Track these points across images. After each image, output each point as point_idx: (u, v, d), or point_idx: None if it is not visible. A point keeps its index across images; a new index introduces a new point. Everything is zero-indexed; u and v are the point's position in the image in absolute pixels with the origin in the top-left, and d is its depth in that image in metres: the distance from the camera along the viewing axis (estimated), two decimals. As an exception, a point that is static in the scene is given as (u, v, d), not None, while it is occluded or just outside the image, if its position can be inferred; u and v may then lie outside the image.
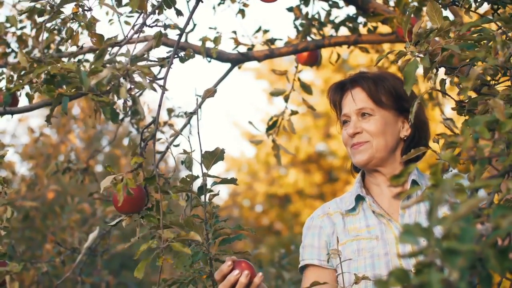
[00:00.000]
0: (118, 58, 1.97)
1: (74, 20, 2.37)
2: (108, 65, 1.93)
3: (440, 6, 1.88)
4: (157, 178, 2.04)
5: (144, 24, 2.26)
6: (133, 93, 1.94)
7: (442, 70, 1.91)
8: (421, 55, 1.78)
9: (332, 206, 2.31)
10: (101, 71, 1.87)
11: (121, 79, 1.91)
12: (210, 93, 2.20)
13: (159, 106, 2.16)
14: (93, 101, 1.98)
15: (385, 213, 2.21)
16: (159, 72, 2.15)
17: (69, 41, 2.44)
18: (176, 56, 2.29)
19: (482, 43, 1.80)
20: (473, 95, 1.85)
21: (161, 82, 2.07)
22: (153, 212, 2.12)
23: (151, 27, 2.31)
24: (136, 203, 2.08)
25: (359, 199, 2.27)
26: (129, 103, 1.97)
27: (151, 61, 2.16)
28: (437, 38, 1.86)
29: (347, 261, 2.16)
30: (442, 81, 1.85)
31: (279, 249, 5.02)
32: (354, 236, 2.20)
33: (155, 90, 2.00)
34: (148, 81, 1.94)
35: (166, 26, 2.38)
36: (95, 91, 1.95)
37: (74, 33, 2.38)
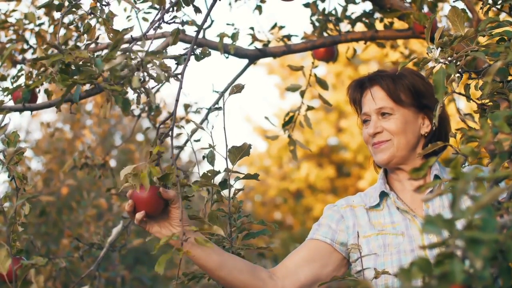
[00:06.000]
0: (134, 48, 1.99)
1: (92, 15, 2.40)
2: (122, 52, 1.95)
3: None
4: (175, 171, 1.98)
5: (162, 20, 2.28)
6: (146, 86, 1.96)
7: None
8: (446, 62, 1.79)
9: (356, 199, 2.30)
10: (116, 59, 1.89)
11: (135, 71, 1.93)
12: (238, 89, 2.20)
13: (176, 101, 2.14)
14: (105, 90, 1.98)
15: (409, 209, 2.19)
16: (176, 69, 2.16)
17: (86, 35, 2.46)
18: (192, 53, 2.31)
19: (503, 43, 1.81)
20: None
21: (177, 77, 2.09)
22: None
23: (169, 23, 2.32)
24: (151, 204, 1.94)
25: (383, 195, 2.25)
26: (143, 95, 1.98)
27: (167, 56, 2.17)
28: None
29: (372, 255, 2.15)
30: (467, 86, 1.86)
31: (291, 243, 5.04)
32: (379, 230, 2.19)
33: (169, 81, 2.00)
34: (163, 73, 1.94)
35: (184, 23, 2.39)
36: (108, 81, 1.96)
37: (92, 28, 2.41)
